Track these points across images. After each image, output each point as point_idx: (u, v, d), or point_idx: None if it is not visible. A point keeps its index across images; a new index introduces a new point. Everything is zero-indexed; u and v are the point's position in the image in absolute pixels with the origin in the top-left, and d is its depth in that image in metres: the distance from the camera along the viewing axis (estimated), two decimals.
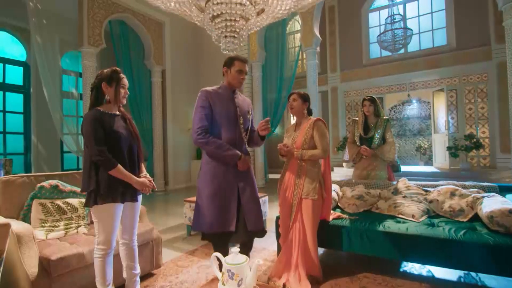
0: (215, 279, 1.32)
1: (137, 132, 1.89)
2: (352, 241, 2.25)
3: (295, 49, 8.77)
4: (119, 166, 1.66)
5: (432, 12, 7.33)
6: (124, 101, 1.82)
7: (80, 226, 2.27)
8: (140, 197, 1.88)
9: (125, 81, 1.80)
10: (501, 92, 6.21)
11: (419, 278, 2.20)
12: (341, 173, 7.28)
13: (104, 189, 1.63)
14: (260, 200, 3.46)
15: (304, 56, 6.68)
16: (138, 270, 1.92)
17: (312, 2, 2.59)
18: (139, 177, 1.80)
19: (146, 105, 7.17)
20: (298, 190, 2.17)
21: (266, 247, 2.98)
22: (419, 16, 7.56)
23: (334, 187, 2.90)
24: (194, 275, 2.36)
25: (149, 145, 7.14)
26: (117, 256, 1.92)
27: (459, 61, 6.80)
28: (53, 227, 2.13)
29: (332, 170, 7.61)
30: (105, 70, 1.75)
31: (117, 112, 1.81)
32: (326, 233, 2.36)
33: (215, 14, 2.13)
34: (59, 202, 2.20)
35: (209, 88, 1.98)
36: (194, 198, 3.47)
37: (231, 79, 1.97)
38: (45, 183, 2.19)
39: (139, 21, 6.74)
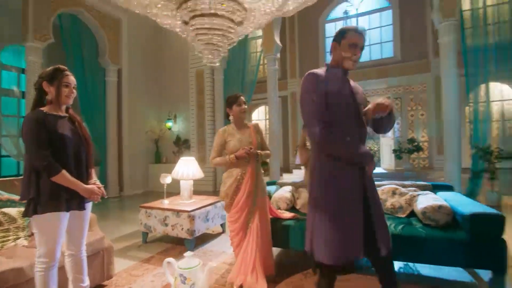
0: (168, 285, 1.31)
1: (88, 136, 1.77)
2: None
3: (256, 54, 8.93)
4: (64, 172, 1.54)
5: (381, 26, 7.99)
6: (70, 101, 1.69)
7: (19, 238, 2.08)
8: (89, 205, 1.77)
9: (70, 79, 1.66)
10: (437, 101, 6.98)
11: (365, 270, 2.38)
12: (300, 174, 7.55)
13: (45, 197, 1.51)
14: (220, 204, 3.50)
15: (265, 62, 6.83)
16: (87, 283, 1.81)
17: (292, 11, 2.68)
18: (87, 183, 1.68)
19: (100, 105, 6.73)
20: (257, 190, 2.25)
21: (225, 250, 2.99)
22: (369, 29, 8.19)
23: (291, 188, 3.03)
24: (148, 283, 2.29)
25: (102, 149, 6.71)
26: (61, 269, 1.79)
27: (403, 72, 7.50)
28: None
29: (291, 172, 7.87)
30: (48, 69, 1.64)
31: (64, 114, 1.69)
32: (281, 233, 2.46)
33: (198, 27, 2.11)
34: None
35: (318, 70, 1.51)
36: (150, 204, 3.37)
37: (341, 57, 1.50)
38: None
39: (93, 16, 6.34)
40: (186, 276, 1.00)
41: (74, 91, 1.70)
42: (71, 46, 6.20)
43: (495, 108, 5.72)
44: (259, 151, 2.30)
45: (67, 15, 6.07)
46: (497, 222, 1.94)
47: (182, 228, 3.02)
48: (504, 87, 5.79)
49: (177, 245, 3.20)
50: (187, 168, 3.31)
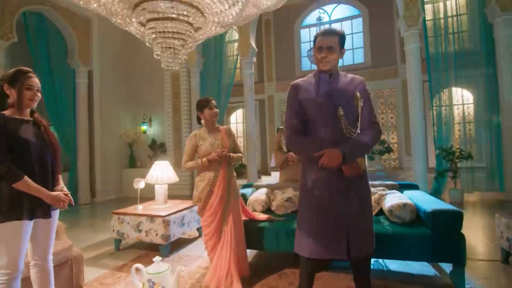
0: None
1: (54, 141, 1.69)
2: (280, 241, 2.42)
3: (233, 57, 8.96)
4: (26, 178, 1.46)
5: (352, 33, 8.32)
6: (33, 105, 1.61)
7: None
8: (56, 213, 1.69)
9: (33, 81, 1.59)
10: (405, 105, 7.36)
11: (338, 268, 2.46)
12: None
13: (5, 205, 1.43)
14: (196, 207, 3.47)
15: (241, 66, 6.88)
16: None
17: (247, 20, 2.73)
18: (53, 190, 1.61)
19: (69, 108, 6.43)
20: (230, 192, 2.27)
21: (201, 254, 2.97)
22: None
23: (266, 190, 3.07)
24: None
25: (72, 154, 6.40)
26: (24, 280, 1.70)
27: (373, 77, 7.84)
28: None
29: (270, 175, 7.95)
30: (10, 70, 1.57)
31: (28, 118, 1.61)
32: (256, 235, 2.49)
33: (157, 30, 2.08)
34: None
35: (299, 80, 1.66)
36: (123, 210, 3.27)
37: (316, 61, 1.60)
38: None
39: (61, 15, 6.07)
40: (155, 282, 0.99)
41: (38, 94, 1.62)
42: (37, 46, 5.88)
43: (457, 111, 6.14)
44: (231, 154, 2.32)
45: (32, 13, 5.76)
46: (456, 218, 2.09)
47: (157, 234, 2.96)
48: (465, 91, 6.24)
49: (151, 251, 3.13)
50: (161, 172, 3.26)
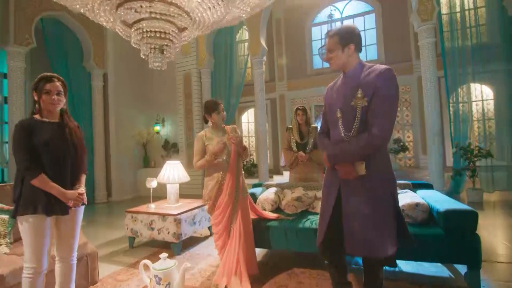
0: (145, 287, 1.33)
1: (78, 142, 1.77)
2: (289, 240, 2.42)
3: (244, 57, 8.99)
4: (42, 176, 1.58)
5: (365, 30, 8.17)
6: (54, 107, 1.70)
7: (1, 245, 2.05)
8: (81, 210, 1.80)
9: (53, 85, 1.68)
10: (421, 102, 7.16)
11: (349, 269, 2.43)
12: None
13: (25, 199, 1.57)
14: (207, 206, 3.51)
15: (252, 65, 6.89)
16: None
17: (232, 20, 2.73)
18: (72, 189, 1.70)
19: (85, 110, 6.65)
20: (238, 190, 2.30)
21: (212, 253, 3.01)
22: None
23: (276, 189, 3.07)
24: None
25: (89, 154, 6.62)
26: (50, 273, 1.79)
27: None
28: None
29: (282, 174, 7.94)
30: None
31: (54, 120, 1.72)
32: (265, 233, 2.50)
33: (144, 31, 2.11)
34: None
35: (332, 82, 1.76)
36: (136, 209, 3.36)
37: None
38: None
39: (77, 20, 6.28)
40: (161, 277, 1.02)
41: (58, 97, 1.70)
42: (55, 50, 6.11)
43: (476, 108, 5.91)
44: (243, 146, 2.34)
45: (50, 19, 5.98)
46: (470, 218, 2.02)
47: (169, 232, 3.02)
48: (484, 87, 6.00)
49: (163, 249, 3.20)
50: (173, 172, 3.32)
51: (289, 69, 8.80)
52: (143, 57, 2.37)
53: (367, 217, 1.47)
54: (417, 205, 2.25)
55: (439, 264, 2.45)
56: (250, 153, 2.60)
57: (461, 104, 5.42)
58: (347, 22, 8.40)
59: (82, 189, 1.76)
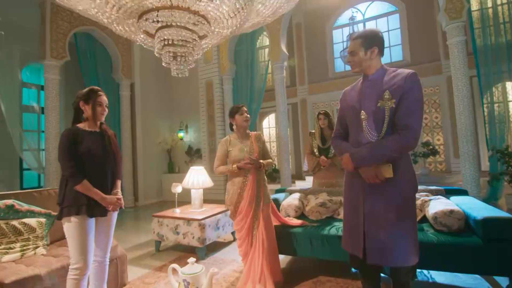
0: None
1: (116, 149, 1.91)
2: (314, 247, 2.36)
3: (265, 62, 9.04)
4: (85, 182, 1.69)
5: (388, 31, 7.94)
6: (102, 118, 1.89)
7: (38, 247, 2.18)
8: (115, 214, 1.90)
9: (103, 98, 1.87)
10: (451, 103, 6.80)
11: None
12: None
13: (68, 202, 1.67)
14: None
15: (272, 71, 6.91)
16: None
17: (252, 26, 2.76)
18: (110, 193, 1.81)
19: (114, 119, 6.98)
20: (259, 198, 2.29)
21: (235, 258, 3.01)
22: None
23: (299, 195, 3.03)
24: None
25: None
26: None
27: None
28: (8, 249, 2.03)
29: (304, 179, 7.82)
30: (84, 90, 1.85)
31: (96, 129, 1.86)
32: (290, 240, 2.46)
33: (165, 38, 2.18)
34: (15, 222, 2.11)
35: (348, 87, 1.76)
36: (162, 213, 3.44)
37: None
38: None
39: (106, 34, 6.64)
40: (189, 282, 1.03)
41: (106, 109, 1.90)
42: (86, 63, 6.49)
43: None
44: (261, 160, 2.33)
45: (82, 33, 6.38)
46: (511, 226, 1.88)
47: (193, 237, 3.07)
48: None
49: (188, 253, 3.24)
50: (197, 177, 3.38)
51: (310, 73, 8.73)
52: (164, 65, 2.45)
53: (393, 223, 1.44)
54: (451, 212, 2.13)
55: (477, 275, 2.29)
56: (272, 159, 2.57)
57: (496, 105, 5.08)
58: (370, 24, 8.22)
59: (119, 194, 1.88)
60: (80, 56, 6.41)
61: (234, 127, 2.44)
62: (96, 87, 1.88)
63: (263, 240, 2.19)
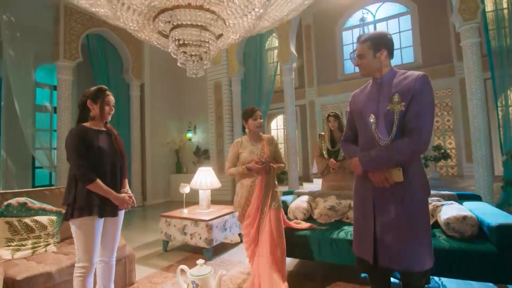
0: None
1: (123, 148, 1.92)
2: (322, 251, 2.33)
3: (273, 64, 9.04)
4: (98, 181, 1.67)
5: (399, 32, 7.84)
6: (109, 118, 1.87)
7: (49, 244, 2.21)
8: (121, 213, 1.88)
9: (111, 98, 1.86)
10: (464, 106, 6.67)
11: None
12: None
13: (80, 202, 1.64)
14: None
15: (281, 72, 6.89)
16: None
17: (267, 27, 2.76)
18: (120, 192, 1.81)
19: (124, 119, 7.08)
20: (267, 202, 2.23)
21: (242, 260, 3.00)
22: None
23: (308, 198, 3.00)
24: None
25: (127, 160, 6.99)
26: None
27: None
28: (20, 246, 2.07)
29: (312, 181, 7.77)
30: (91, 88, 1.83)
31: (103, 128, 1.85)
32: (297, 243, 2.44)
33: (179, 38, 2.19)
34: (27, 220, 2.15)
35: (358, 90, 1.74)
36: (170, 213, 3.46)
37: None
38: (13, 201, 2.14)
39: (117, 35, 6.74)
40: (198, 283, 1.03)
41: (113, 108, 1.89)
42: (98, 63, 6.60)
43: None
44: (272, 164, 2.28)
45: (93, 35, 6.50)
46: None
47: (200, 237, 3.07)
48: None
49: (195, 254, 3.25)
50: (205, 178, 3.39)
51: (320, 75, 8.69)
52: (180, 65, 2.46)
53: (405, 227, 1.41)
54: (464, 218, 2.07)
55: (490, 284, 2.22)
56: (284, 163, 2.54)
57: (511, 108, 4.95)
58: (381, 25, 8.13)
59: (130, 192, 1.88)
60: (92, 57, 6.53)
61: (246, 129, 2.39)
62: (104, 86, 1.87)
63: (270, 245, 2.12)
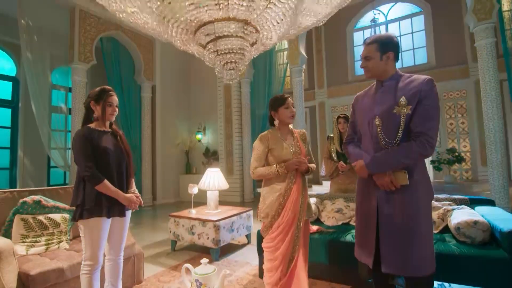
0: None
1: (128, 149, 1.94)
2: (330, 254, 2.32)
3: (283, 65, 9.03)
4: (106, 181, 1.69)
5: (412, 32, 7.70)
6: (112, 118, 1.87)
7: (62, 241, 2.28)
8: (128, 213, 1.91)
9: (114, 99, 1.85)
10: (479, 108, 6.48)
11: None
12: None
13: (89, 203, 1.67)
14: (245, 214, 3.55)
15: (291, 74, 6.89)
16: (119, 287, 1.93)
17: (298, 32, 2.80)
18: (127, 192, 1.83)
19: (136, 120, 7.23)
20: (302, 210, 1.81)
21: (249, 261, 3.01)
22: (400, 36, 7.94)
23: (315, 200, 2.99)
24: None
25: (137, 160, 7.15)
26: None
27: (439, 78, 7.10)
28: (34, 242, 2.14)
29: (321, 184, 7.71)
30: (95, 89, 1.85)
31: (108, 129, 1.87)
32: None
33: (218, 49, 2.20)
34: (41, 217, 2.22)
35: (361, 92, 1.72)
36: (179, 213, 3.51)
37: None
38: (28, 199, 2.22)
39: (129, 38, 6.90)
40: (202, 282, 1.05)
41: (117, 109, 1.89)
42: (111, 66, 6.78)
43: None
44: (310, 165, 1.89)
45: (107, 38, 6.67)
46: None
47: (208, 237, 3.10)
48: None
49: (203, 254, 3.28)
50: (213, 179, 3.42)
51: (330, 76, 8.63)
52: (217, 74, 2.51)
53: (410, 231, 1.40)
54: (475, 223, 2.02)
55: None
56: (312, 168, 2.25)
57: None
58: (392, 26, 8.01)
59: (137, 192, 1.90)
60: (105, 59, 6.71)
61: (276, 121, 1.95)
62: (108, 87, 1.86)
63: (302, 261, 1.78)
